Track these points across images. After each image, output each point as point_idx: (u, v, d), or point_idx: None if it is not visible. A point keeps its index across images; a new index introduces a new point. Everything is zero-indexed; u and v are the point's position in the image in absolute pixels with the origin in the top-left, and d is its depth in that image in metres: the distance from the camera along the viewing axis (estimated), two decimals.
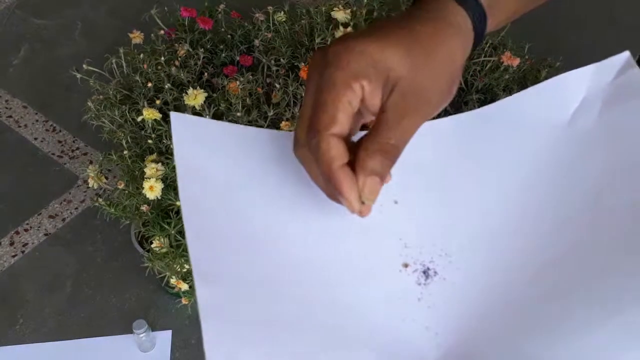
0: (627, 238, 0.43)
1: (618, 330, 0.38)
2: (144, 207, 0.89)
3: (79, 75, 1.02)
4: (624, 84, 0.48)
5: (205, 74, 1.02)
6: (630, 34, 1.39)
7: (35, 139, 1.34)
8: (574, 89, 0.49)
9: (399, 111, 0.40)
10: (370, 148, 0.40)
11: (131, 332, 1.00)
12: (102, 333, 1.06)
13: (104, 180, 0.96)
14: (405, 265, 0.47)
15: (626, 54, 0.49)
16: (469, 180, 0.49)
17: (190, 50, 1.03)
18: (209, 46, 1.06)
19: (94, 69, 1.02)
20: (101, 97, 1.01)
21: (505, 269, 0.45)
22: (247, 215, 0.46)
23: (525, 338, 0.41)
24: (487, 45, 1.01)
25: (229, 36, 1.08)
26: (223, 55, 1.05)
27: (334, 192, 0.42)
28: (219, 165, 0.47)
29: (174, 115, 0.47)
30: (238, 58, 1.04)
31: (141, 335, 1.00)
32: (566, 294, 0.42)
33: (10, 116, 1.38)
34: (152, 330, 1.03)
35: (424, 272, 0.47)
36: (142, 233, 0.95)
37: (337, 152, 0.40)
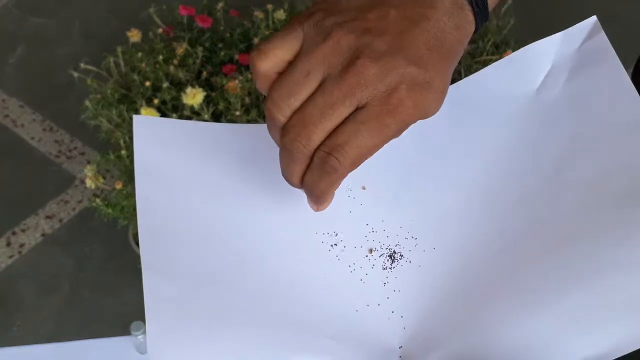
0: (585, 214, 0.43)
1: (564, 314, 0.39)
2: None
3: (76, 75, 1.01)
4: (590, 49, 0.47)
5: (204, 72, 1.01)
6: (632, 31, 1.38)
7: (32, 138, 1.33)
8: (541, 58, 0.48)
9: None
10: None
11: (129, 333, 0.99)
12: (99, 335, 1.05)
13: (102, 180, 0.95)
14: (371, 251, 0.47)
15: (593, 18, 0.47)
16: (437, 161, 0.49)
17: (189, 48, 1.03)
18: (207, 45, 1.06)
19: (92, 68, 1.02)
20: (99, 96, 1.00)
21: (469, 249, 0.46)
22: (199, 211, 0.47)
23: (486, 317, 0.42)
24: (489, 43, 1.00)
25: (228, 34, 1.07)
26: (222, 53, 1.04)
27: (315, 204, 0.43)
28: (174, 163, 0.48)
29: (136, 118, 0.48)
30: (237, 57, 1.03)
31: (139, 336, 0.99)
32: (524, 273, 0.43)
33: (7, 115, 1.37)
34: None
35: (390, 256, 0.47)
36: None
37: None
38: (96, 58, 1.03)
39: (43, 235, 1.18)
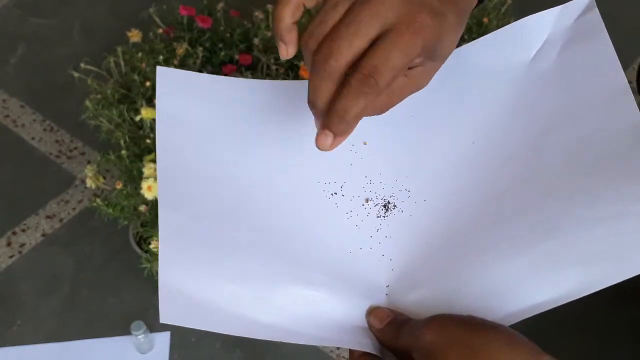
0: (564, 173, 0.47)
1: (534, 260, 0.44)
2: (142, 208, 0.89)
3: (76, 75, 1.02)
4: (583, 25, 0.50)
5: (205, 72, 1.01)
6: (632, 34, 1.38)
7: (33, 138, 1.33)
8: (537, 31, 0.51)
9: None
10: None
11: (129, 333, 1.00)
12: (100, 334, 1.05)
13: (102, 180, 0.96)
14: (367, 200, 0.52)
15: None
16: (433, 121, 0.53)
17: (189, 49, 1.03)
18: (207, 45, 1.06)
19: (92, 68, 1.02)
20: (99, 96, 1.00)
21: (456, 202, 0.50)
22: (212, 155, 0.51)
23: (463, 262, 0.47)
24: None
25: (228, 35, 1.07)
26: (222, 54, 1.04)
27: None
28: (191, 111, 0.52)
29: (159, 69, 0.52)
30: (237, 57, 1.03)
31: (139, 336, 0.99)
32: (503, 225, 0.47)
33: (8, 115, 1.37)
34: (151, 332, 1.02)
35: (384, 206, 0.52)
36: (141, 234, 0.94)
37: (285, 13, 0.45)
38: (96, 58, 1.03)
39: (43, 235, 1.18)
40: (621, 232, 0.43)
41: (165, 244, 0.45)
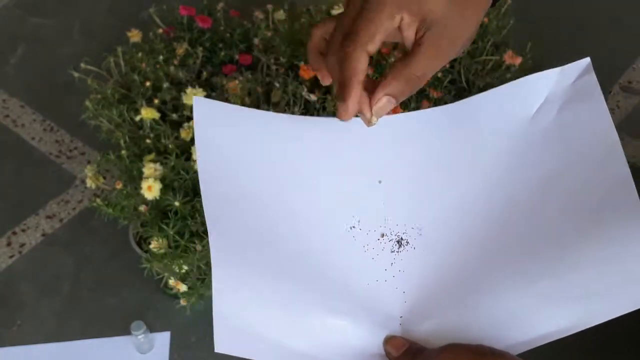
0: (561, 219, 0.53)
1: (535, 295, 0.50)
2: (142, 208, 0.89)
3: (76, 75, 1.02)
4: (580, 87, 0.55)
5: (204, 72, 1.01)
6: (633, 34, 1.38)
7: (33, 138, 1.33)
8: (538, 90, 0.56)
9: (433, 50, 0.48)
10: (398, 74, 0.48)
11: (129, 333, 1.00)
12: (100, 334, 1.05)
13: (102, 180, 0.96)
14: (382, 235, 0.57)
15: (587, 60, 0.55)
16: (445, 164, 0.58)
17: (189, 49, 1.03)
18: (208, 45, 1.06)
19: (92, 68, 1.02)
20: (99, 96, 1.00)
21: (465, 240, 0.55)
22: (249, 185, 0.55)
23: (470, 295, 0.52)
24: (489, 44, 1.00)
25: (228, 35, 1.07)
26: (222, 54, 1.04)
27: (340, 95, 0.49)
28: (230, 143, 0.56)
29: (196, 100, 0.56)
30: (237, 57, 1.03)
31: (139, 336, 0.99)
32: (505, 265, 0.53)
33: (7, 115, 1.37)
34: (151, 332, 1.02)
35: (398, 242, 0.56)
36: (141, 234, 0.94)
37: (362, 67, 0.48)
38: (96, 58, 1.03)
39: (43, 235, 1.18)
40: (613, 272, 0.49)
41: (218, 274, 0.49)
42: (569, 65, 0.55)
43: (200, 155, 0.54)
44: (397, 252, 0.56)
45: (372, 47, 0.48)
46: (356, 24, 0.48)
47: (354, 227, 0.56)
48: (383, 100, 0.49)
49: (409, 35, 0.48)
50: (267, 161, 0.56)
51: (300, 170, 0.57)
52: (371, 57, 0.49)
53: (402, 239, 0.56)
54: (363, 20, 0.47)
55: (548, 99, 0.56)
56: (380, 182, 0.58)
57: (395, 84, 0.48)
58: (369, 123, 0.51)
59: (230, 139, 0.55)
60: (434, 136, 0.56)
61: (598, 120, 0.54)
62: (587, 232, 0.51)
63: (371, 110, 0.50)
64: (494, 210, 0.56)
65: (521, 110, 0.57)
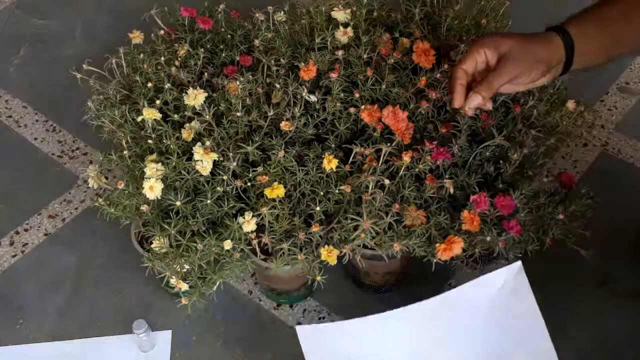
0: None
1: None
2: (144, 207, 0.89)
3: (79, 75, 1.02)
4: (516, 281, 0.84)
5: (205, 74, 1.02)
6: None
7: (35, 139, 1.34)
8: (496, 281, 0.84)
9: (503, 69, 0.82)
10: (483, 83, 0.83)
11: (131, 332, 1.00)
12: (102, 333, 1.06)
13: (104, 180, 0.96)
14: None
15: (518, 263, 0.83)
16: (443, 341, 0.87)
17: (190, 50, 1.03)
18: (209, 46, 1.06)
19: (94, 69, 1.03)
20: (101, 97, 1.01)
21: None
22: None
23: None
24: None
25: (229, 36, 1.08)
26: (223, 55, 1.05)
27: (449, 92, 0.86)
28: (339, 352, 0.82)
29: (299, 329, 0.80)
30: (238, 58, 1.04)
31: (141, 335, 1.00)
32: None
33: (10, 116, 1.38)
34: (152, 330, 1.03)
35: None
36: (142, 233, 0.95)
37: (459, 75, 0.84)
38: (98, 59, 1.04)
39: (46, 234, 1.19)
40: None
41: None
42: (508, 266, 0.83)
43: None
44: None
45: (465, 66, 0.84)
46: (461, 56, 0.87)
47: None
48: (473, 96, 0.83)
49: (492, 62, 0.84)
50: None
51: None
52: (463, 70, 0.84)
53: None
54: (465, 54, 0.86)
55: (501, 289, 0.84)
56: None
57: (479, 87, 0.83)
58: (464, 111, 0.86)
59: (335, 355, 0.81)
60: (434, 322, 0.85)
61: (527, 307, 0.84)
62: None
63: (462, 102, 0.85)
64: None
65: (488, 297, 0.84)
